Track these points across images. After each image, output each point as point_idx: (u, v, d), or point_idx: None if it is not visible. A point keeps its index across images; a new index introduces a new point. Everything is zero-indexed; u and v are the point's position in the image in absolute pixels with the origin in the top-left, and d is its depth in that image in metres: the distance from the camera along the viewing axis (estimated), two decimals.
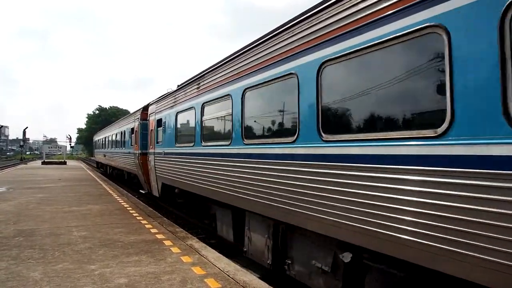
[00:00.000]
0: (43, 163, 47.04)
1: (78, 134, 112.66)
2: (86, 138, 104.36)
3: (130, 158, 17.81)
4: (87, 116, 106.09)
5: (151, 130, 13.48)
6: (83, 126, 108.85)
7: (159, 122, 12.33)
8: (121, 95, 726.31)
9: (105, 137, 29.81)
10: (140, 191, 17.07)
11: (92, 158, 76.67)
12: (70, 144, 69.71)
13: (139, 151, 15.10)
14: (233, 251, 8.12)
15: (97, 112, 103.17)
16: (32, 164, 51.01)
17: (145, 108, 15.45)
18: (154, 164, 12.57)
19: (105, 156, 29.15)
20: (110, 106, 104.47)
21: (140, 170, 15.13)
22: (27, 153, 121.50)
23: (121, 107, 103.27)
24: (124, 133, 20.22)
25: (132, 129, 17.63)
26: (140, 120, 15.72)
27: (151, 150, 13.35)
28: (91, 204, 11.92)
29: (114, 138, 24.46)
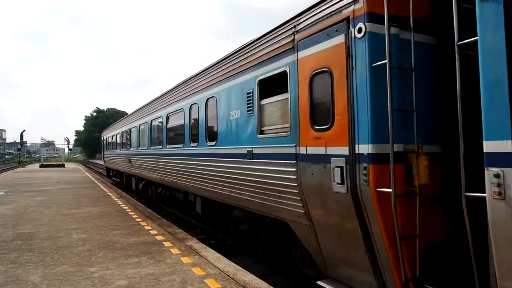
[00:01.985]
0: (41, 166, 46.92)
1: (76, 137, 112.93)
2: (84, 140, 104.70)
3: (240, 172, 6.59)
4: (85, 118, 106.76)
5: None
6: (81, 129, 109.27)
7: None
8: (119, 97, 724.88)
9: (131, 129, 17.86)
10: None
11: (91, 160, 76.24)
12: (68, 147, 69.60)
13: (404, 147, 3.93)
14: (233, 251, 8.12)
15: (95, 114, 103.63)
16: (30, 167, 50.86)
17: None
18: None
19: (130, 161, 17.70)
20: (108, 108, 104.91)
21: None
22: (25, 156, 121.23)
23: (119, 109, 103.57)
24: (202, 109, 8.58)
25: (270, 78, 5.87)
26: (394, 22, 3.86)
27: None
28: (90, 206, 11.89)
29: (154, 128, 13.70)
